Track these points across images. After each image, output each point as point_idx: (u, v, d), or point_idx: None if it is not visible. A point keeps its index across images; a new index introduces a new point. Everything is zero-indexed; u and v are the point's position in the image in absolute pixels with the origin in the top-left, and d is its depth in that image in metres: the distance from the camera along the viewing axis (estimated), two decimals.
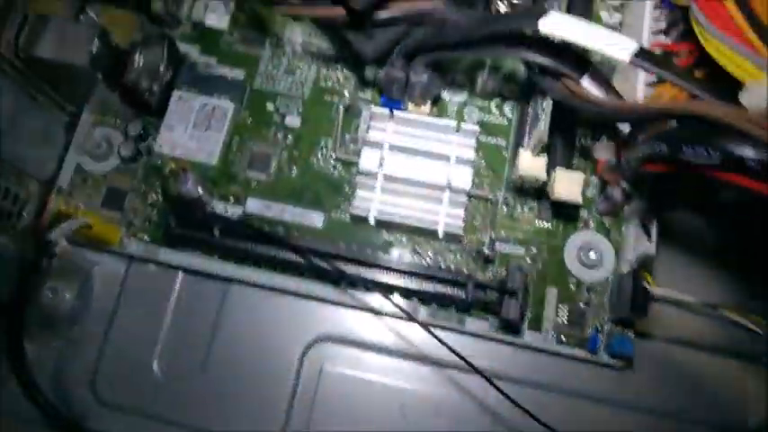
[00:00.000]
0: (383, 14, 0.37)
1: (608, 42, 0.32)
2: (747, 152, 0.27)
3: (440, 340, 0.38)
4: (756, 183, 0.27)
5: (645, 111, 0.33)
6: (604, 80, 0.35)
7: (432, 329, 0.38)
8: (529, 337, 0.41)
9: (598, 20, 0.47)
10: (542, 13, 0.33)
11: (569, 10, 0.40)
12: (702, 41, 0.32)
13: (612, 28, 0.44)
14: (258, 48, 0.47)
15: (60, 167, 0.44)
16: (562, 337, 0.41)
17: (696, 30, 0.32)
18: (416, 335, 0.42)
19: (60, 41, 0.37)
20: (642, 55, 0.31)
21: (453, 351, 0.38)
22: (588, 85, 0.35)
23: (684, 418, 0.40)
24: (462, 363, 0.38)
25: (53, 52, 0.37)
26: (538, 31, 0.33)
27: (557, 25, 0.33)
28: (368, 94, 0.46)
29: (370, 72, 0.44)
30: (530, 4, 0.40)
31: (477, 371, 0.38)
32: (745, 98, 0.28)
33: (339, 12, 0.36)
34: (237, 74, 0.46)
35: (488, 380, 0.38)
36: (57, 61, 0.37)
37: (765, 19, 0.29)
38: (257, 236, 0.40)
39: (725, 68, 0.30)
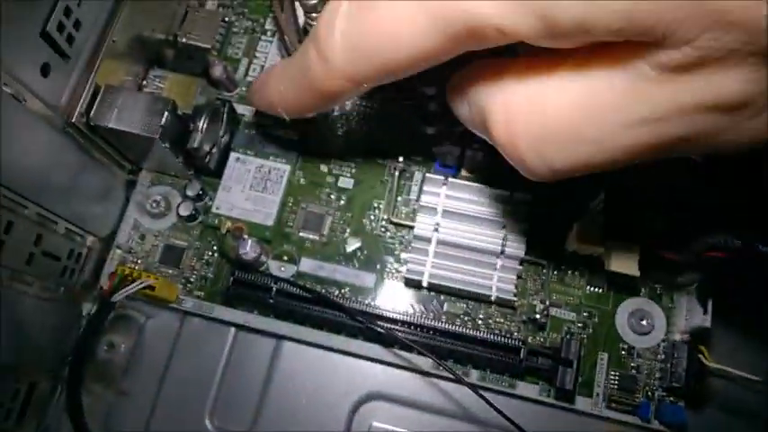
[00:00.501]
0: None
1: None
2: None
3: (489, 403, 0.38)
4: None
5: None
6: None
7: (481, 392, 0.39)
8: (580, 402, 0.41)
9: None
10: None
11: None
12: None
13: None
14: None
15: (119, 224, 0.45)
16: (613, 403, 0.41)
17: None
18: (466, 396, 0.42)
19: (131, 113, 0.38)
20: None
21: (503, 414, 0.38)
22: None
23: None
24: (511, 426, 0.39)
25: (125, 124, 0.38)
26: None
27: None
28: (421, 157, 0.46)
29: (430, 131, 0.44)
30: None
31: None
32: None
33: None
34: (292, 135, 0.47)
35: None
36: (128, 133, 0.38)
37: None
38: (315, 299, 0.41)
39: None
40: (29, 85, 0.34)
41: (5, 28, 0.31)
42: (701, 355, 0.39)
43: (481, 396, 0.38)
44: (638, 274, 0.39)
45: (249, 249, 0.41)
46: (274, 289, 0.41)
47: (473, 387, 0.40)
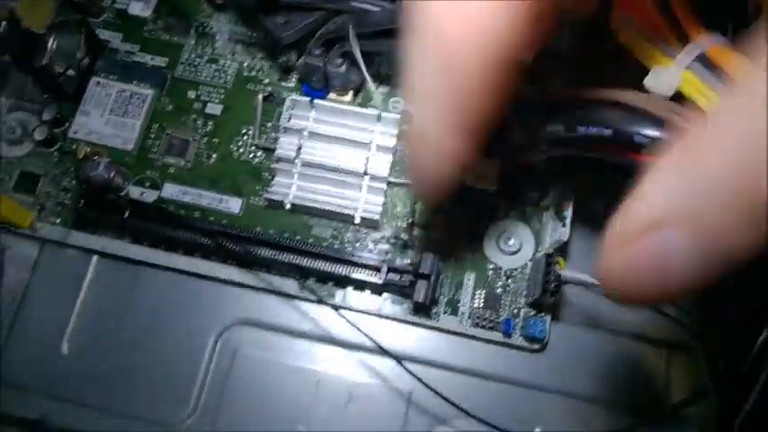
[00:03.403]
0: None
1: None
2: (636, 128, 0.27)
3: (351, 323, 0.38)
4: (643, 156, 0.28)
5: (563, 97, 0.33)
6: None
7: (345, 313, 0.38)
8: (445, 320, 0.41)
9: None
10: None
11: None
12: (617, 34, 0.32)
13: None
14: (182, 36, 0.47)
15: None
16: (477, 320, 0.41)
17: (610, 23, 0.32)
18: (331, 318, 0.41)
19: None
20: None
21: (366, 334, 0.38)
22: None
23: (595, 399, 0.41)
24: (377, 346, 0.38)
25: None
26: None
27: None
28: (292, 83, 0.46)
29: (289, 58, 0.44)
30: None
31: (386, 352, 0.38)
32: (649, 82, 0.29)
33: None
34: (159, 62, 0.46)
35: (398, 360, 0.38)
36: None
37: (677, 9, 0.29)
38: (168, 219, 0.40)
39: (637, 57, 0.31)
40: None
41: None
42: (557, 266, 0.39)
43: (343, 316, 0.37)
44: (494, 187, 0.39)
45: (101, 170, 0.40)
46: (127, 211, 0.40)
47: (336, 308, 0.39)
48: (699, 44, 0.28)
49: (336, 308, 0.39)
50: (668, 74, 0.28)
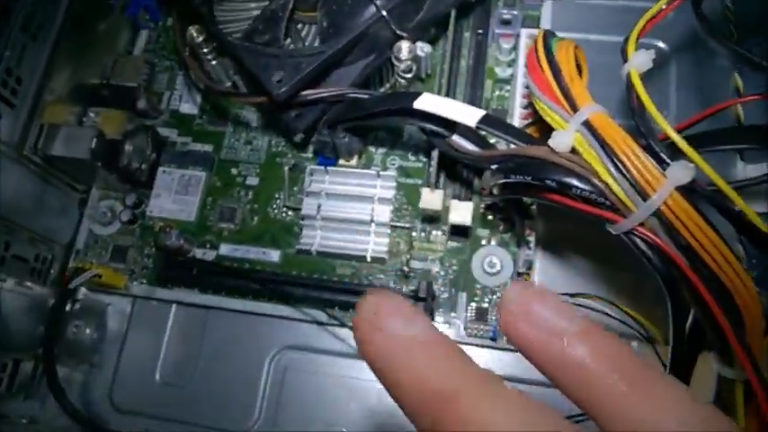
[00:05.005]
0: (305, 98, 0.50)
1: (462, 113, 0.44)
2: (551, 175, 0.38)
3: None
4: (555, 196, 0.38)
5: (497, 155, 0.45)
6: (474, 136, 0.47)
7: None
8: (444, 331, 0.52)
9: (492, 75, 0.59)
10: (417, 95, 0.45)
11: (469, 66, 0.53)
12: (533, 100, 0.43)
13: (505, 80, 0.58)
14: (222, 126, 0.60)
15: (76, 233, 0.57)
16: (470, 330, 0.52)
17: (530, 91, 0.43)
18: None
19: (68, 142, 0.50)
20: (485, 120, 0.43)
21: None
22: (459, 140, 0.47)
23: None
24: None
25: (64, 151, 0.50)
26: (413, 107, 0.45)
27: (426, 103, 0.45)
28: (309, 153, 0.58)
29: (297, 138, 0.56)
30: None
31: None
32: (551, 142, 0.39)
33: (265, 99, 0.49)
34: (207, 148, 0.59)
35: None
36: (67, 157, 0.50)
37: (568, 83, 0.40)
38: (227, 272, 0.53)
39: (546, 120, 0.41)
40: None
41: None
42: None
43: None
44: (469, 223, 0.50)
45: (174, 239, 0.53)
46: (195, 269, 0.53)
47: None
48: (583, 112, 0.38)
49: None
50: (565, 135, 0.38)
